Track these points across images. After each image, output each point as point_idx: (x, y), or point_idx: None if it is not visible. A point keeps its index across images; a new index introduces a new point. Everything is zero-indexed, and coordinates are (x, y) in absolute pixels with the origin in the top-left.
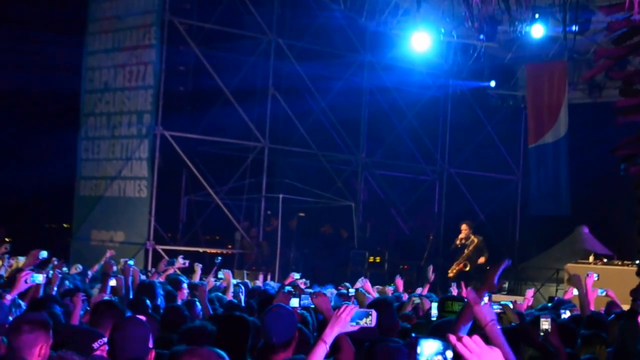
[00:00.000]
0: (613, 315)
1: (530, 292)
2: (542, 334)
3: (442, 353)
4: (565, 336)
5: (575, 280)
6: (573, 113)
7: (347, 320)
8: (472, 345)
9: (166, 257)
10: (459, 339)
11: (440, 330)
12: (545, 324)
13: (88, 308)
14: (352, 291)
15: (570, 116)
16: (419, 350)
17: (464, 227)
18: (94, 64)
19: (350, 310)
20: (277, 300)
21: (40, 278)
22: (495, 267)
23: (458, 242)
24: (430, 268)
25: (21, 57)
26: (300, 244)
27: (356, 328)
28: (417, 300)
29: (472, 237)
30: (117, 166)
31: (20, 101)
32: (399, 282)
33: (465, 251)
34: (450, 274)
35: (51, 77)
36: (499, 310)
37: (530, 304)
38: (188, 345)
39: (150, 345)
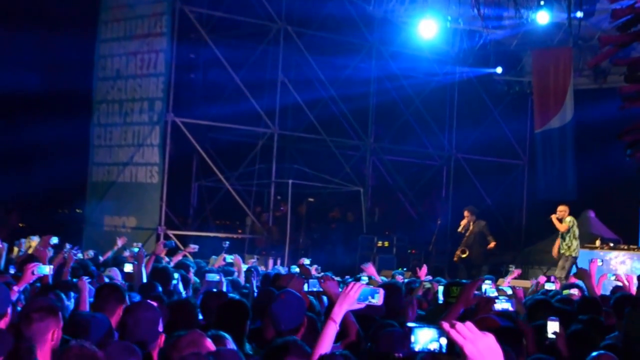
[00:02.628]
0: (617, 295)
1: (542, 278)
2: (551, 336)
3: (437, 340)
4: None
5: (583, 275)
6: (578, 98)
7: (355, 298)
8: (465, 331)
9: (177, 242)
10: (452, 326)
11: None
12: (553, 327)
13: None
14: (365, 279)
15: (575, 102)
16: (413, 339)
17: (466, 213)
18: (106, 52)
19: (358, 287)
20: (290, 285)
21: (46, 269)
22: (472, 284)
23: (461, 228)
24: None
25: (35, 46)
26: (310, 229)
27: (363, 305)
28: (427, 284)
29: (471, 223)
30: (129, 152)
31: (33, 88)
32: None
33: (465, 237)
34: (455, 259)
35: (65, 65)
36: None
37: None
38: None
39: (160, 329)
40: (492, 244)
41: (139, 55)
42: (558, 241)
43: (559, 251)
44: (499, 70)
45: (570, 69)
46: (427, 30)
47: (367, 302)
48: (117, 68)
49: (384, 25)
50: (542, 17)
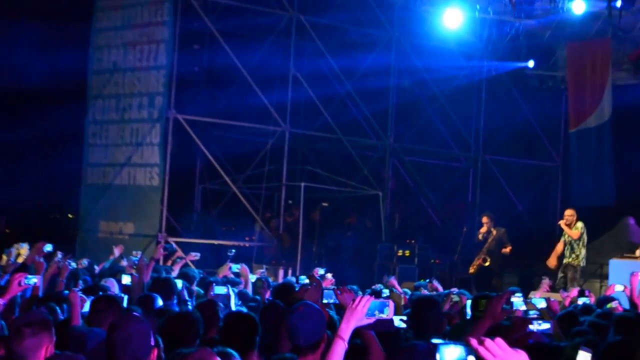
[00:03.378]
0: None
1: (574, 291)
2: None
3: (464, 358)
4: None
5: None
6: (617, 95)
7: (363, 313)
8: (495, 348)
9: (179, 250)
10: (481, 343)
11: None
12: (583, 358)
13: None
14: (386, 292)
15: (614, 98)
16: (438, 357)
17: (484, 219)
18: (102, 42)
19: (367, 301)
20: (306, 296)
21: (34, 280)
22: (499, 297)
23: (480, 236)
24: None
25: (24, 34)
26: (324, 236)
27: (372, 320)
28: (455, 298)
29: (493, 229)
30: (126, 152)
31: (24, 82)
32: (434, 283)
33: (486, 245)
34: (471, 270)
35: (56, 56)
36: (535, 315)
37: (570, 301)
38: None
39: (152, 343)
40: (507, 249)
41: (137, 46)
42: (559, 249)
43: (558, 260)
44: (530, 64)
45: (609, 63)
46: (453, 20)
47: (376, 317)
48: (114, 60)
49: (405, 15)
50: (579, 6)
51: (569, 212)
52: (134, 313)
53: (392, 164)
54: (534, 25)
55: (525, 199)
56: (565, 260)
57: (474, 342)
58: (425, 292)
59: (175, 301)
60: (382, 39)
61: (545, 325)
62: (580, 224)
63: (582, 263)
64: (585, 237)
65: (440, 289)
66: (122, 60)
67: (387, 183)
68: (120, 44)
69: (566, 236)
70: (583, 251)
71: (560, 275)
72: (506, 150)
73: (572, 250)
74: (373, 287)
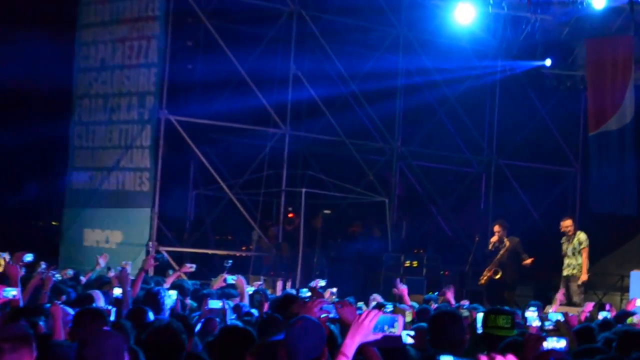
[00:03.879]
0: None
1: (589, 305)
2: None
3: None
4: None
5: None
6: None
7: (370, 328)
8: None
9: (170, 260)
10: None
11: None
12: None
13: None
14: (389, 306)
15: (637, 100)
16: None
17: (496, 228)
18: (88, 38)
19: (374, 316)
20: (304, 310)
21: (13, 292)
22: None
23: (490, 245)
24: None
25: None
26: (326, 246)
27: (379, 336)
28: (465, 312)
29: (506, 239)
30: (114, 155)
31: (3, 81)
32: (450, 294)
33: (497, 255)
34: (482, 281)
35: (39, 53)
36: (551, 327)
37: (586, 316)
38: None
39: (126, 359)
40: (528, 260)
41: (127, 42)
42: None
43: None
44: (547, 62)
45: (631, 62)
46: (465, 15)
47: (384, 333)
48: (102, 57)
49: (414, 9)
50: (599, 1)
51: (567, 223)
52: (106, 328)
53: (400, 168)
54: (551, 22)
55: (542, 206)
56: (567, 272)
57: (484, 359)
58: (434, 306)
59: (167, 315)
60: (389, 35)
61: (562, 343)
62: (584, 236)
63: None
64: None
65: (453, 301)
66: (110, 57)
67: (394, 189)
68: (108, 40)
69: (565, 247)
70: (586, 262)
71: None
72: (521, 154)
73: (575, 260)
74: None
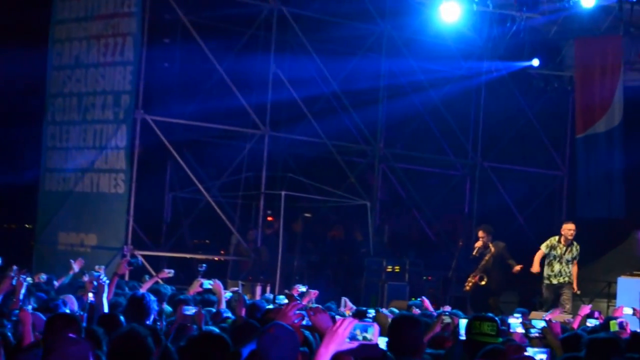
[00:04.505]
0: None
1: (586, 308)
2: None
3: None
4: None
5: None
6: (630, 97)
7: (344, 336)
8: None
9: (146, 264)
10: None
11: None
12: None
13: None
14: (371, 311)
15: (626, 101)
16: None
17: (480, 233)
18: (62, 35)
19: (349, 324)
20: (279, 318)
21: None
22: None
23: (475, 251)
24: None
25: None
26: (306, 250)
27: (355, 345)
28: (447, 319)
29: (490, 244)
30: (89, 156)
31: None
32: (425, 302)
33: (482, 261)
34: (467, 288)
35: (10, 50)
36: (537, 335)
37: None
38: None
39: None
40: (517, 267)
41: (102, 39)
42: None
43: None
44: (535, 62)
45: (620, 62)
46: (450, 13)
47: (359, 341)
48: (76, 55)
49: (397, 7)
50: (588, 0)
51: (572, 227)
52: (70, 335)
53: (382, 171)
54: (539, 21)
55: (527, 210)
56: (560, 280)
57: None
58: (417, 311)
59: (150, 321)
60: (372, 33)
61: (541, 356)
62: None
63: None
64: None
65: (431, 308)
66: (85, 55)
67: (376, 192)
68: (82, 37)
69: (561, 251)
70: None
71: (546, 295)
72: (507, 157)
73: (568, 268)
74: (357, 310)
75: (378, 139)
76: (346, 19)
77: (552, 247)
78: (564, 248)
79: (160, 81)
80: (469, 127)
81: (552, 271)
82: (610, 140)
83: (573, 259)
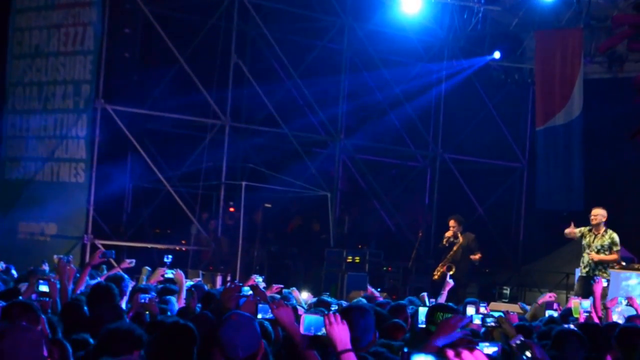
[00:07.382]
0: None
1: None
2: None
3: None
4: None
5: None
6: (589, 90)
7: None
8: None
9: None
10: (458, 354)
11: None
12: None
13: None
14: (329, 300)
15: (585, 94)
16: None
17: (451, 222)
18: (22, 24)
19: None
20: (242, 309)
21: None
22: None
23: (445, 241)
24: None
25: None
26: (266, 241)
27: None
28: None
29: (460, 235)
30: (49, 145)
31: None
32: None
33: (451, 251)
34: (435, 277)
35: None
36: (493, 324)
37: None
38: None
39: (45, 353)
40: (476, 256)
41: (62, 28)
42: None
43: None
44: (496, 55)
45: (580, 55)
46: (411, 5)
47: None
48: (36, 44)
49: None
50: None
51: (596, 212)
52: (23, 322)
53: (343, 162)
54: (500, 12)
55: (487, 202)
56: (588, 272)
57: (450, 353)
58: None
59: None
60: (333, 24)
61: (492, 349)
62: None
63: None
64: None
65: (377, 295)
66: (45, 44)
67: (337, 183)
68: (43, 25)
69: (590, 240)
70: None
71: (576, 289)
72: (467, 148)
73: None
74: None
75: (339, 130)
76: (308, 10)
77: (583, 236)
78: (592, 236)
79: (121, 71)
80: (429, 118)
81: (582, 262)
82: (570, 133)
83: (604, 247)
